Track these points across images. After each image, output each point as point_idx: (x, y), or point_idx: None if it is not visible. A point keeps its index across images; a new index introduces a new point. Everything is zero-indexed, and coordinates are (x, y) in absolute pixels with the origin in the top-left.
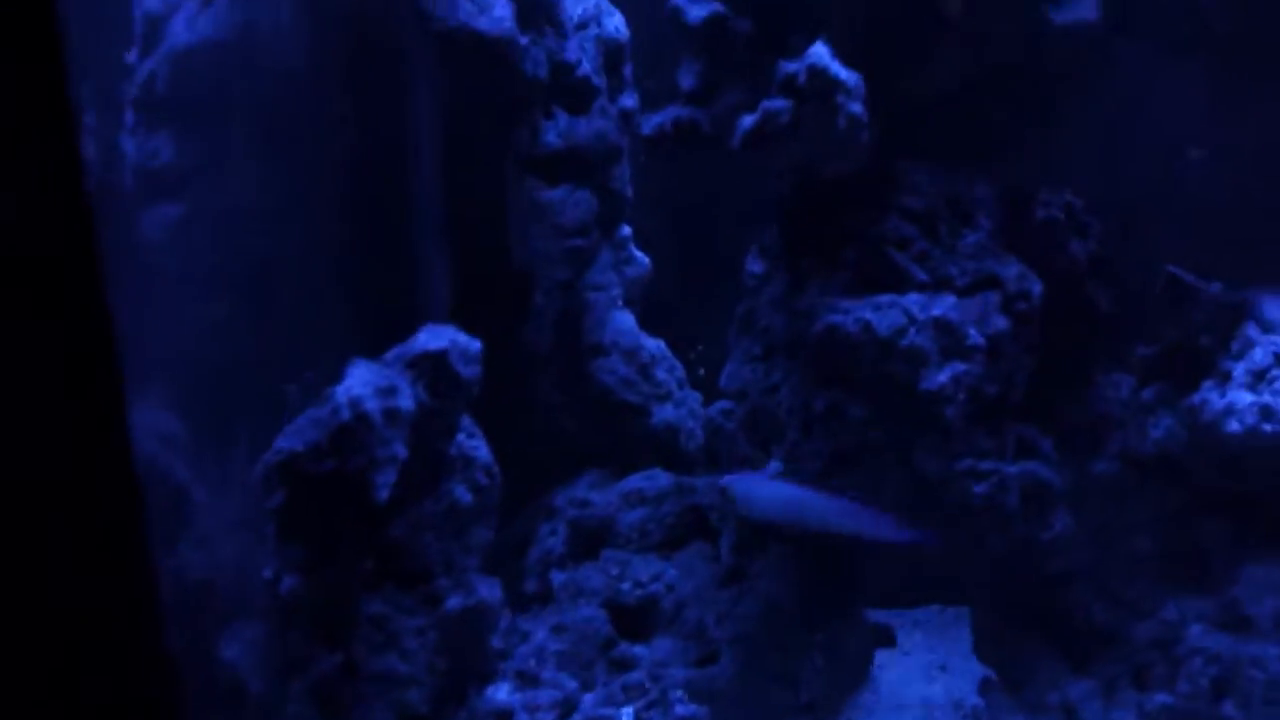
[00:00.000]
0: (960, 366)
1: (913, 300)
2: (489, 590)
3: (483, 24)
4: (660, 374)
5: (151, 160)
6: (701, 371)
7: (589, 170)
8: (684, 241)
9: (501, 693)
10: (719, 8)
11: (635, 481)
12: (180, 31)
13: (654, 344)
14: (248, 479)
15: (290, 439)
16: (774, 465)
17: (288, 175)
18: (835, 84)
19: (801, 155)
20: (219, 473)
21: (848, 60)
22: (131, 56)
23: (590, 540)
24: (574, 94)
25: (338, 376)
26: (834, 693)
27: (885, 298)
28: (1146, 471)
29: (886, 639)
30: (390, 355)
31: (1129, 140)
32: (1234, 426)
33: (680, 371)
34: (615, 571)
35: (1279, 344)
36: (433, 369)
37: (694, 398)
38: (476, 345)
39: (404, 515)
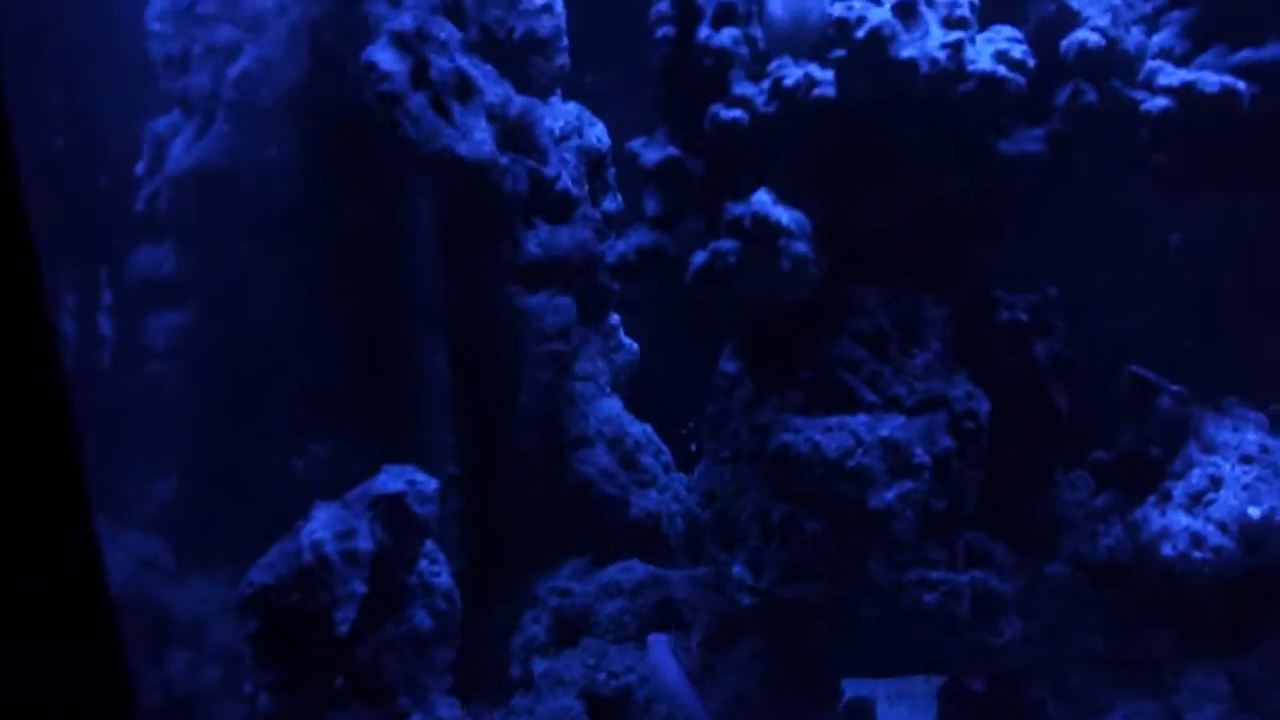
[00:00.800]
0: (907, 484)
1: (861, 421)
2: (448, 710)
3: (463, 149)
4: (645, 459)
5: (156, 271)
6: (693, 447)
7: (570, 275)
8: (676, 318)
9: None
10: (673, 151)
11: (613, 573)
12: (179, 155)
13: (640, 429)
14: (228, 603)
15: (262, 573)
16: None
17: (283, 285)
18: (777, 229)
19: (751, 290)
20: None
21: (796, 197)
22: (139, 169)
23: (570, 629)
24: (554, 205)
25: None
26: None
27: (834, 419)
28: (1098, 577)
29: (865, 716)
30: (353, 495)
31: (1081, 246)
32: (1168, 550)
33: (667, 455)
34: (592, 661)
35: (1217, 466)
36: (390, 509)
37: (679, 481)
38: (432, 485)
39: (368, 639)
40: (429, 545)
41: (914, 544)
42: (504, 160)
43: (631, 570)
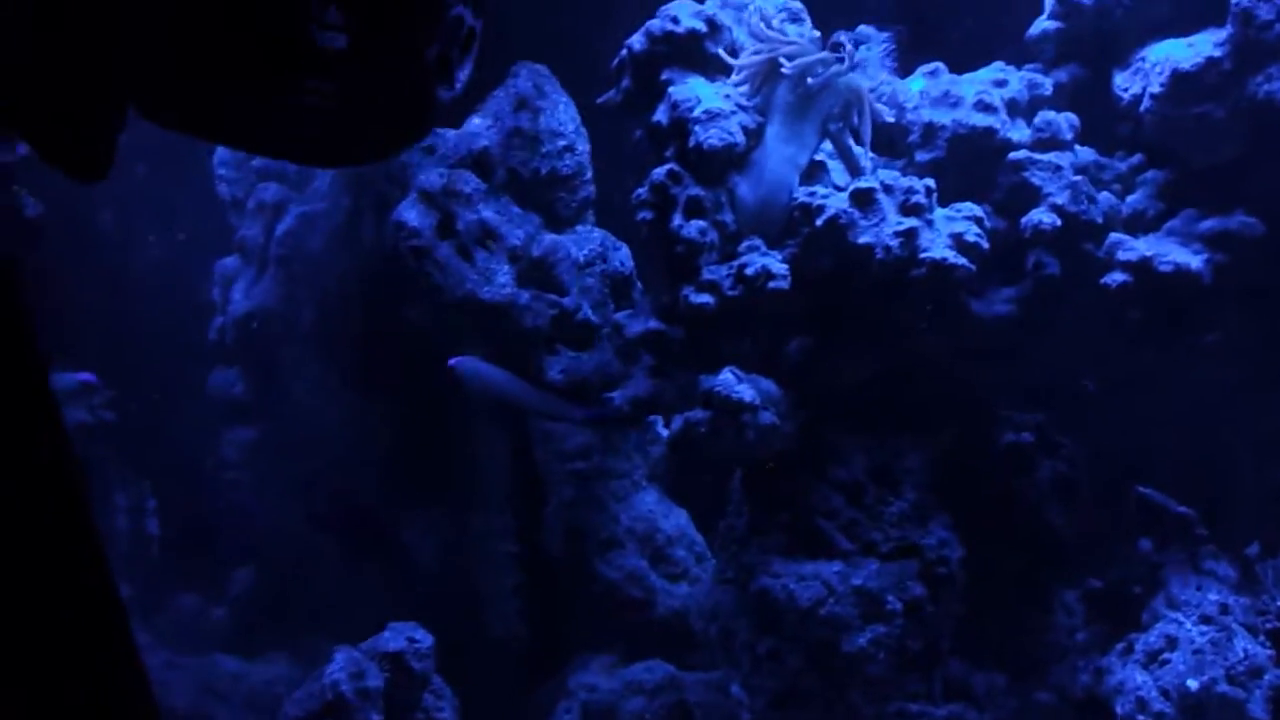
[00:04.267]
0: (880, 629)
1: (834, 570)
2: None
3: (486, 293)
4: (678, 553)
5: (228, 391)
6: None
7: (593, 398)
8: None
9: None
10: (653, 324)
11: (637, 671)
12: (239, 299)
13: (674, 522)
14: None
15: (294, 706)
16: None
17: (338, 408)
18: (740, 405)
19: (725, 453)
20: None
21: (769, 363)
22: (214, 295)
23: None
24: (576, 333)
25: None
26: None
27: (809, 567)
28: (1081, 709)
29: None
30: (364, 645)
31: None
32: (1119, 707)
33: (701, 545)
34: None
35: (1178, 625)
36: (392, 664)
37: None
38: (429, 642)
39: None
40: (436, 681)
41: (891, 679)
42: (524, 298)
43: (653, 670)
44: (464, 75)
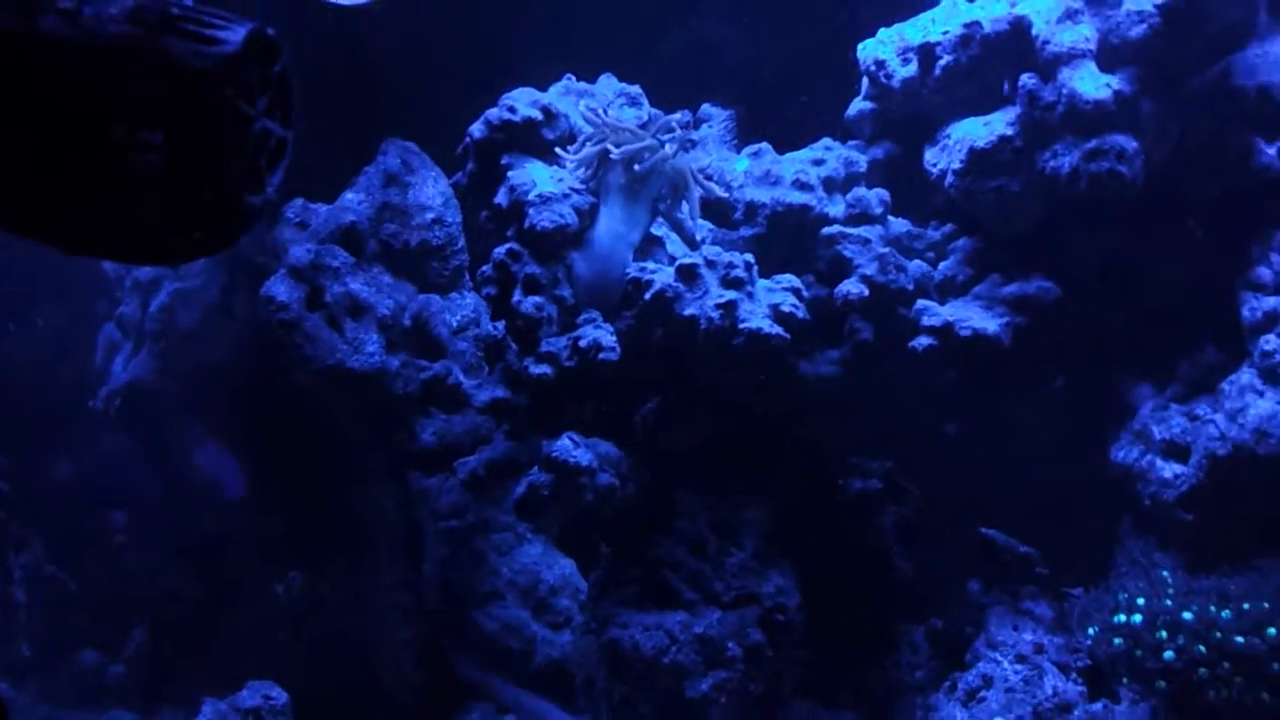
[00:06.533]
0: (722, 674)
1: (677, 620)
2: None
3: (355, 362)
4: (561, 602)
5: (115, 457)
6: None
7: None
8: None
9: None
10: (500, 393)
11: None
12: (119, 372)
13: (559, 572)
14: None
15: None
16: None
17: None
18: (577, 469)
19: (569, 514)
20: None
21: (608, 428)
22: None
23: None
24: (448, 396)
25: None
26: None
27: (653, 618)
28: None
29: None
30: (225, 702)
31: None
32: None
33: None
34: None
35: (996, 664)
36: (251, 718)
37: None
38: (284, 699)
39: None
40: None
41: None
42: (394, 365)
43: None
44: (275, 180)
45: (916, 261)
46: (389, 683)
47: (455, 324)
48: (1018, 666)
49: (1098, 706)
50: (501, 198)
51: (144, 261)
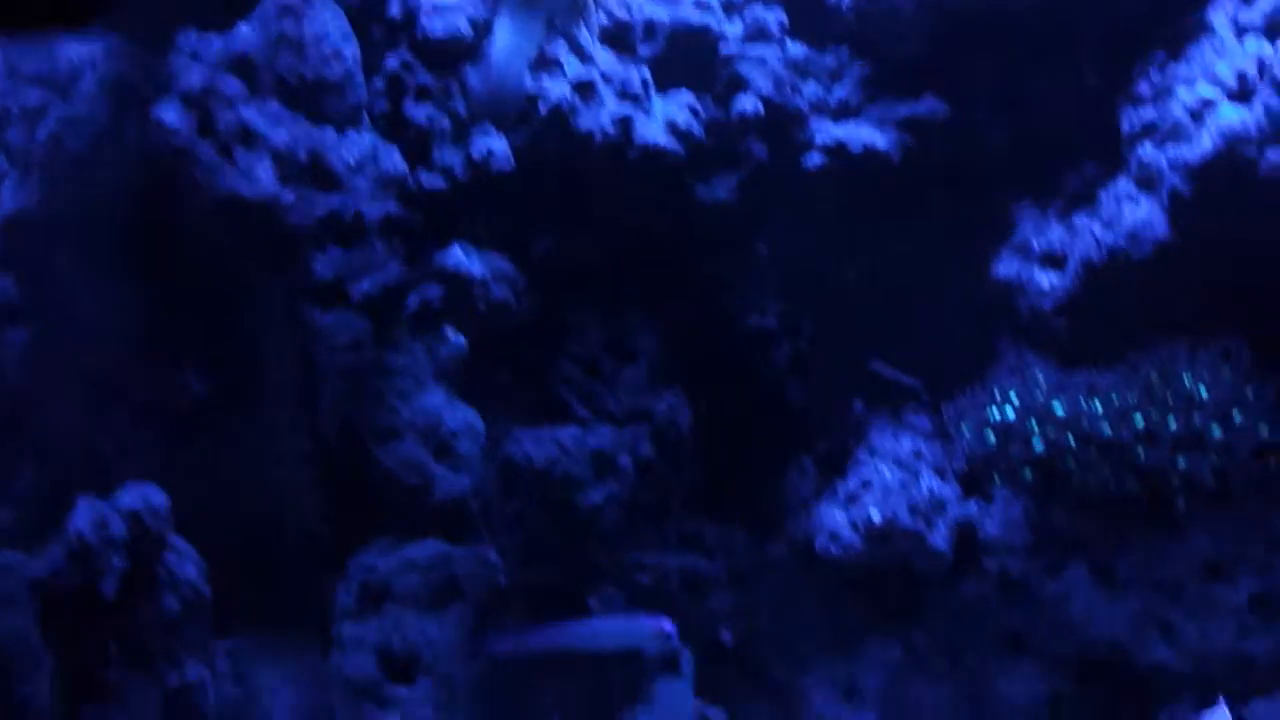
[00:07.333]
0: (613, 487)
1: (570, 434)
2: (196, 672)
3: (247, 190)
4: (462, 445)
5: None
6: None
7: (364, 293)
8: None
9: None
10: (393, 208)
11: (411, 551)
12: (6, 201)
13: (460, 417)
14: None
15: (41, 566)
16: None
17: (108, 308)
18: (469, 280)
19: (462, 328)
20: None
21: (502, 241)
22: None
23: (374, 599)
24: (344, 232)
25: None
26: None
27: (545, 432)
28: (808, 557)
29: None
30: (105, 500)
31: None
32: (818, 542)
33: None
34: (389, 626)
35: (875, 470)
36: (129, 520)
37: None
38: (161, 501)
39: (132, 615)
40: (180, 543)
41: (627, 534)
42: (288, 197)
43: (427, 548)
44: None
45: (812, 83)
46: (292, 527)
47: (352, 161)
48: (895, 470)
49: (972, 506)
50: (394, 9)
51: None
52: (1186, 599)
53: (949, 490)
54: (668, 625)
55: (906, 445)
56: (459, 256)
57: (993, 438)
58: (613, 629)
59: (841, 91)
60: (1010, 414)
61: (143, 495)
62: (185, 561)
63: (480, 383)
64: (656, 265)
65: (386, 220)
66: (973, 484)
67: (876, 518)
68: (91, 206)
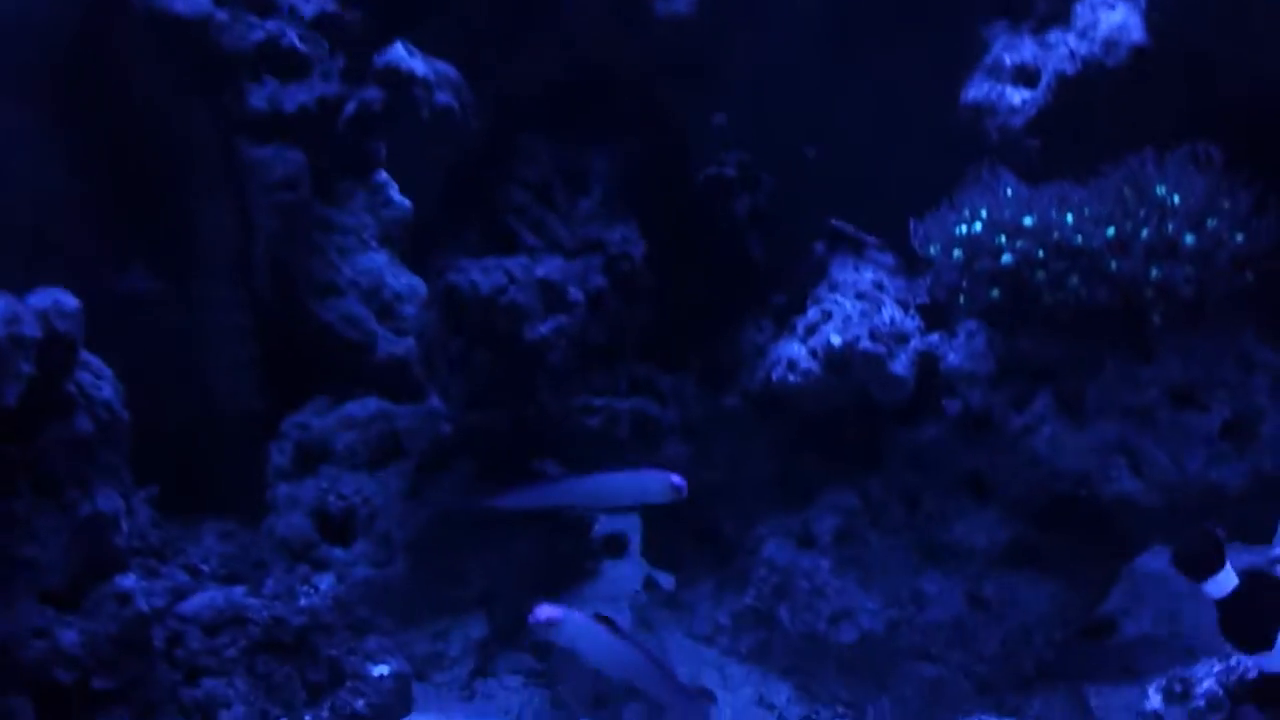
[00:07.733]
0: (562, 319)
1: (518, 262)
2: (108, 503)
3: (179, 6)
4: (406, 309)
5: None
6: None
7: (304, 129)
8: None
9: (128, 580)
10: (329, 6)
11: (350, 408)
12: None
13: (405, 282)
14: None
15: None
16: None
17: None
18: (411, 78)
19: (406, 139)
20: None
21: (450, 51)
22: None
23: (310, 459)
24: (285, 62)
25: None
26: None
27: (493, 260)
28: (761, 407)
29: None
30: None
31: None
32: (775, 374)
33: None
34: (325, 485)
35: (835, 303)
36: (40, 321)
37: None
38: (73, 304)
39: (40, 438)
40: (95, 362)
41: (576, 374)
42: (222, 15)
43: (366, 406)
44: None
45: None
46: (229, 404)
47: None
48: (856, 301)
49: (934, 337)
50: None
51: None
52: (1157, 426)
53: (911, 323)
54: (677, 479)
55: (868, 277)
56: (400, 52)
57: (960, 254)
58: (620, 482)
59: None
60: (979, 228)
61: (53, 297)
62: (101, 382)
63: (424, 210)
64: (613, 89)
65: (321, 17)
66: (937, 318)
67: (837, 341)
68: (17, 28)
